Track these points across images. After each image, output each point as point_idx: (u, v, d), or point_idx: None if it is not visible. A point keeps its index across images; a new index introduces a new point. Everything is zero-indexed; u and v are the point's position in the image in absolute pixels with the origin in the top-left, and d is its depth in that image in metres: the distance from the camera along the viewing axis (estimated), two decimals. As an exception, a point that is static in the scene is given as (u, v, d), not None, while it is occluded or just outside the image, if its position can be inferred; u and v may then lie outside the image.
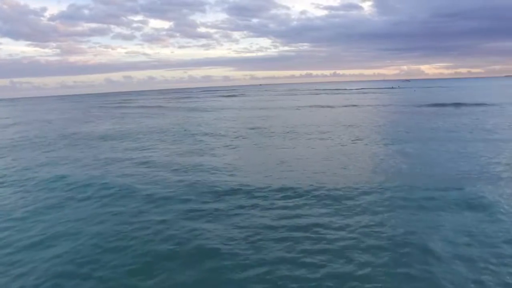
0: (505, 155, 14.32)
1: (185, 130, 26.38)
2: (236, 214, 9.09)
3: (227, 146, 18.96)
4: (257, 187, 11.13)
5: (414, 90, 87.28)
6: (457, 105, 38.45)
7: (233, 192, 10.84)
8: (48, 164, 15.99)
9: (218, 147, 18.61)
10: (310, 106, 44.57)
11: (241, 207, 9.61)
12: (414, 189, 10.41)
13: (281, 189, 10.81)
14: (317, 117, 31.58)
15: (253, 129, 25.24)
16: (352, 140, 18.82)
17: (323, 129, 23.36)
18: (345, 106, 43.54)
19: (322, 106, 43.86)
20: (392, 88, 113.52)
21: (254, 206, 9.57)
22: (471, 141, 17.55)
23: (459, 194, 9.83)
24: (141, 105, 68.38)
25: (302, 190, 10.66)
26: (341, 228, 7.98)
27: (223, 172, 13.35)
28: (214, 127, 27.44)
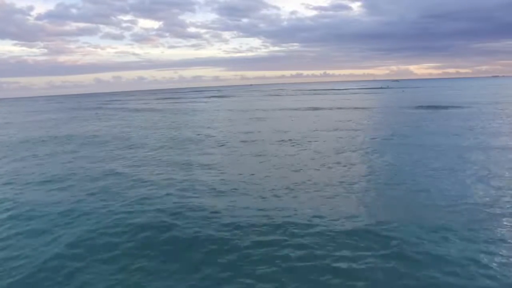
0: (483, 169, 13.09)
1: (159, 135, 24.78)
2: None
3: (201, 154, 17.46)
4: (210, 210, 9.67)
5: (403, 91, 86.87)
6: (446, 107, 37.52)
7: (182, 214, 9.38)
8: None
9: (190, 158, 17.08)
10: (297, 109, 43.29)
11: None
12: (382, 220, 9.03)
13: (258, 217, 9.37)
14: (303, 121, 30.32)
15: (235, 135, 23.79)
16: (335, 150, 17.48)
17: (304, 136, 22.00)
18: (332, 108, 42.36)
19: (310, 108, 42.56)
20: (382, 88, 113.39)
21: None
22: (459, 148, 16.37)
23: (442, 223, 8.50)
24: (124, 107, 66.37)
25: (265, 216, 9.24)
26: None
27: (182, 189, 11.85)
28: (196, 133, 25.87)
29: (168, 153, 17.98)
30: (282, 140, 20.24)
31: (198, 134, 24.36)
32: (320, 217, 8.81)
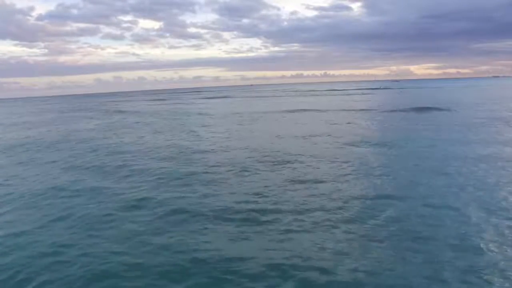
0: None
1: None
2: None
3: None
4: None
5: (400, 91, 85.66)
6: (438, 109, 36.31)
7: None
8: None
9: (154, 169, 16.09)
10: (285, 111, 42.27)
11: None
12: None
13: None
14: (286, 126, 29.36)
15: (219, 143, 22.85)
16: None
17: (277, 143, 21.02)
18: (326, 110, 41.32)
19: (300, 110, 41.51)
20: (380, 88, 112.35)
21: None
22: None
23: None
24: (120, 110, 65.42)
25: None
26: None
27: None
28: (178, 140, 24.89)
29: (137, 163, 17.02)
30: (256, 149, 19.25)
31: (180, 142, 23.40)
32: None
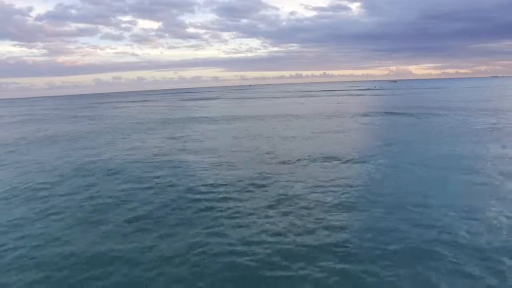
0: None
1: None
2: None
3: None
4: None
5: (392, 92, 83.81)
6: (426, 114, 34.63)
7: None
8: None
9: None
10: (261, 116, 40.67)
11: None
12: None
13: None
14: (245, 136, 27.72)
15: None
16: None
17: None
18: (307, 116, 39.61)
19: (289, 115, 39.87)
20: (375, 88, 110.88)
21: None
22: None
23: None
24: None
25: None
26: None
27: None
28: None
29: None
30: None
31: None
32: None
